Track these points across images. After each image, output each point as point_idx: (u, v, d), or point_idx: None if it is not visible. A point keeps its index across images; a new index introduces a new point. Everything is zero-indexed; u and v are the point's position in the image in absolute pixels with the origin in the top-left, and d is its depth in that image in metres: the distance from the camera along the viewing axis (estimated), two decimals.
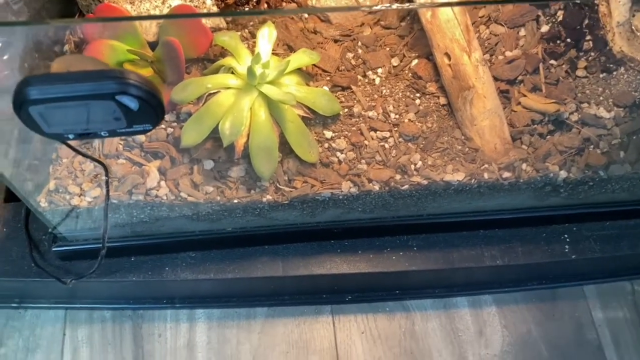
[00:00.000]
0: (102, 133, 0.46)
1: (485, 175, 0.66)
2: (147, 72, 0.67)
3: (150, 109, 0.43)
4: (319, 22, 0.77)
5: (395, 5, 0.72)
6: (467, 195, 0.68)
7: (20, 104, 0.41)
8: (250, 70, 0.61)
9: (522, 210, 0.73)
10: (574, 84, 0.72)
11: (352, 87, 0.70)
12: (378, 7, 0.74)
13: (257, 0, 0.77)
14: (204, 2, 0.72)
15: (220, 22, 0.73)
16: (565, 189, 0.69)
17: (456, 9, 0.67)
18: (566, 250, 0.74)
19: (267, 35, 0.66)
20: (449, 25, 0.67)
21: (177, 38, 0.67)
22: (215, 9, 0.73)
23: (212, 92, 0.63)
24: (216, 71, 0.67)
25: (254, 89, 0.63)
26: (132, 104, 0.42)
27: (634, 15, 0.74)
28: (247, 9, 0.77)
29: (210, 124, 0.62)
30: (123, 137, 0.65)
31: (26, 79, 0.41)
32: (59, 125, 0.44)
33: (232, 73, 0.65)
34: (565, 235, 0.75)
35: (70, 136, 0.46)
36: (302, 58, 0.67)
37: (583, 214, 0.74)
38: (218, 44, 0.68)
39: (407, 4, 0.72)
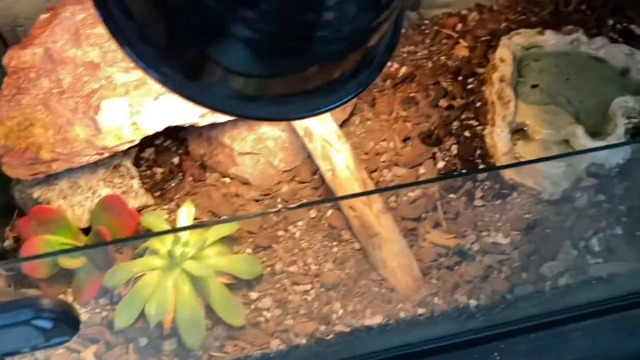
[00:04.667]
0: (24, 350, 0.50)
1: (402, 314, 0.71)
2: (81, 260, 0.72)
3: (64, 326, 0.48)
4: (241, 185, 0.84)
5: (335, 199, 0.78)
6: (390, 334, 0.72)
7: None
8: (170, 253, 0.67)
9: (448, 337, 0.77)
10: (473, 214, 0.80)
11: (273, 245, 0.77)
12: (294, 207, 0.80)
13: (182, 174, 0.86)
14: (131, 187, 0.80)
15: (147, 199, 0.80)
16: (480, 314, 0.74)
17: (352, 166, 0.76)
18: None
19: (186, 215, 0.72)
20: (348, 182, 0.75)
21: (107, 222, 0.74)
22: (142, 191, 0.80)
23: (140, 274, 0.69)
24: (145, 251, 0.73)
25: (177, 266, 0.69)
26: (48, 324, 0.47)
27: (515, 144, 0.84)
28: (173, 184, 0.84)
29: (140, 305, 0.67)
30: None
31: None
32: None
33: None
34: (496, 354, 0.79)
35: None
36: (220, 231, 0.73)
37: (507, 332, 0.79)
38: (144, 225, 0.74)
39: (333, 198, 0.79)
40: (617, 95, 0.83)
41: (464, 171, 0.84)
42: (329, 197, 0.76)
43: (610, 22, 0.96)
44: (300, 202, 0.79)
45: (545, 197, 0.79)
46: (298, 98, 0.47)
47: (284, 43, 0.42)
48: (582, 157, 0.80)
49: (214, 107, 0.44)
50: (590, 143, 0.79)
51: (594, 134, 0.82)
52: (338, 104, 0.47)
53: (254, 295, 0.73)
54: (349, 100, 0.48)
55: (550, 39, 0.91)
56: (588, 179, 0.80)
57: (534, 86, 0.88)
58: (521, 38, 0.91)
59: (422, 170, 0.85)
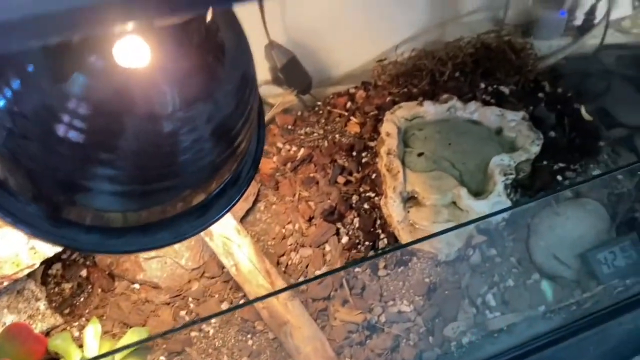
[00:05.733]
0: None
1: None
2: None
3: None
4: (151, 289, 0.85)
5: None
6: None
7: None
8: None
9: None
10: (378, 285, 0.83)
11: (187, 349, 0.77)
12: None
13: (91, 286, 0.85)
14: (37, 309, 0.79)
15: (55, 320, 0.80)
16: None
17: (254, 259, 0.78)
18: None
19: (92, 333, 0.72)
20: (252, 275, 0.77)
21: (13, 352, 0.72)
22: (49, 312, 0.79)
23: None
24: None
25: None
26: None
27: (408, 211, 0.89)
28: (82, 298, 0.84)
29: None
30: None
31: None
32: None
33: None
34: None
35: None
36: (129, 342, 0.73)
37: None
38: (51, 348, 0.73)
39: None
40: (495, 154, 0.91)
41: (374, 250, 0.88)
42: (237, 305, 0.78)
43: (482, 85, 1.05)
44: (209, 313, 0.81)
45: (442, 258, 0.84)
46: (167, 225, 0.49)
47: (146, 186, 0.45)
48: (471, 216, 0.86)
49: (84, 250, 0.46)
50: (474, 203, 0.86)
51: (477, 193, 0.88)
52: (206, 225, 0.50)
53: None
54: (218, 219, 0.51)
55: (429, 109, 0.99)
56: (478, 236, 0.86)
57: (420, 154, 0.95)
58: (403, 111, 0.99)
59: (327, 247, 0.88)
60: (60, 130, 0.40)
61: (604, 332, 0.83)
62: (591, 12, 1.17)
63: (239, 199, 0.53)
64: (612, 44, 1.16)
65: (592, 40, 1.16)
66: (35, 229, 0.45)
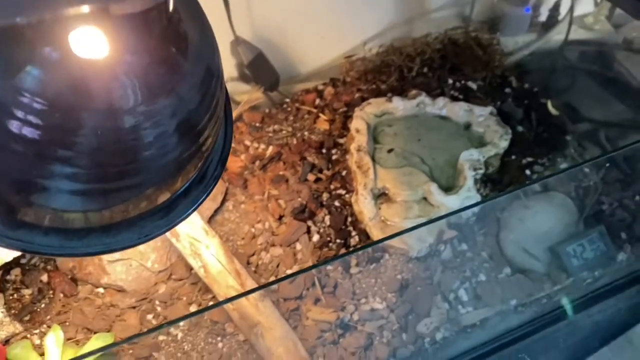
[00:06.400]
0: None
1: None
2: None
3: None
4: (116, 293, 0.82)
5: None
6: None
7: None
8: None
9: None
10: (350, 282, 0.82)
11: (154, 354, 0.75)
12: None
13: (52, 291, 0.82)
14: None
15: (15, 328, 0.76)
16: None
17: (223, 260, 0.76)
18: None
19: (53, 341, 0.69)
20: (221, 276, 0.75)
21: None
22: (7, 320, 0.76)
23: None
24: None
25: None
26: None
27: (379, 208, 0.88)
28: (43, 305, 0.81)
29: None
30: None
31: None
32: None
33: None
34: None
35: None
36: (94, 344, 0.71)
37: None
38: (11, 358, 0.70)
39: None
40: (464, 149, 0.91)
41: (350, 247, 0.87)
42: (207, 306, 0.76)
43: (450, 81, 1.05)
44: (181, 316, 0.78)
45: (413, 254, 0.84)
46: (130, 225, 0.47)
47: (107, 184, 0.43)
48: (442, 211, 0.86)
49: (42, 253, 0.44)
50: (445, 198, 0.85)
51: (447, 188, 0.88)
52: (171, 225, 0.48)
53: None
54: (183, 219, 0.49)
55: (398, 105, 0.98)
56: (449, 231, 0.86)
57: (390, 150, 0.94)
58: (372, 107, 0.98)
59: (298, 246, 0.87)
60: (14, 126, 0.37)
61: (573, 324, 0.84)
62: (555, 8, 1.18)
63: (205, 198, 0.51)
64: (575, 40, 1.18)
65: (556, 36, 1.18)
66: None
